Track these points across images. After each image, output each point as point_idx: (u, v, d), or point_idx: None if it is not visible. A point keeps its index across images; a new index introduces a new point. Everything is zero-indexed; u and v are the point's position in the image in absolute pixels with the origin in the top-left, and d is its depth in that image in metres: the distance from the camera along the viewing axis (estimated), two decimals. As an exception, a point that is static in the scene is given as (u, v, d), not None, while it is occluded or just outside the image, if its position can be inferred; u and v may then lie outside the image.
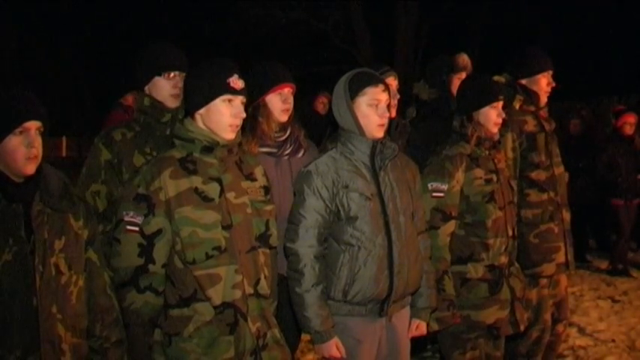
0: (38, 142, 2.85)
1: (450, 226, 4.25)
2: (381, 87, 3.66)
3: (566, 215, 5.00)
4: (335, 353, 3.59)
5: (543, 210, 4.87)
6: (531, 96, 4.96)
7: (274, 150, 4.11)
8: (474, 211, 4.29)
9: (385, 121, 3.66)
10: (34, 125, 2.84)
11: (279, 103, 4.11)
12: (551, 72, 5.00)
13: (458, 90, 4.56)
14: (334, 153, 3.69)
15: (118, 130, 3.88)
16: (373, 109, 3.62)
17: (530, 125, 4.93)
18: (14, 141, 2.80)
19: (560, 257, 4.90)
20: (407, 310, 3.85)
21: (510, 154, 4.80)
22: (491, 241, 4.28)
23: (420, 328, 3.90)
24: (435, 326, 4.13)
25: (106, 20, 28.63)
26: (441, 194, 4.21)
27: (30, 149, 2.81)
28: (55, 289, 2.88)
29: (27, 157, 2.81)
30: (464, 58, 5.52)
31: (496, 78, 4.86)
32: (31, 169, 2.84)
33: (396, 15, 19.38)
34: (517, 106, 4.93)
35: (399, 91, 4.98)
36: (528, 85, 4.98)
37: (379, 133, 3.66)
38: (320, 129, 6.32)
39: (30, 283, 2.80)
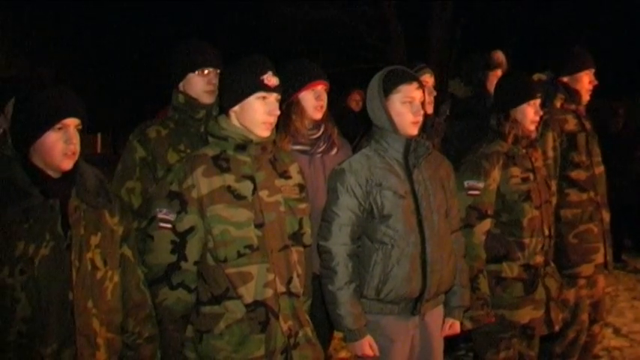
0: (76, 138, 2.87)
1: (486, 224, 4.22)
2: (415, 84, 3.64)
3: (606, 216, 4.96)
4: (368, 352, 3.58)
5: (583, 210, 4.83)
6: (572, 94, 4.91)
7: (307, 148, 4.10)
8: (509, 210, 4.25)
9: (419, 118, 3.64)
10: (72, 122, 2.86)
11: (313, 100, 4.10)
12: (593, 70, 4.95)
13: (495, 87, 4.52)
14: (368, 151, 3.67)
15: (153, 128, 3.90)
16: (407, 106, 3.60)
17: (571, 124, 4.88)
18: (53, 137, 2.82)
19: (599, 258, 4.85)
20: (440, 309, 3.83)
21: (551, 154, 4.76)
22: (526, 241, 4.25)
23: (454, 327, 3.88)
24: (468, 325, 4.11)
25: (142, 18, 28.81)
26: (477, 192, 4.19)
27: (68, 145, 2.83)
28: (91, 284, 2.90)
29: (64, 153, 2.83)
30: (499, 56, 5.48)
31: (537, 76, 4.82)
32: (68, 164, 2.86)
33: (431, 12, 19.29)
34: (558, 104, 4.88)
35: (435, 88, 4.95)
36: (570, 83, 4.93)
37: (413, 131, 3.64)
38: (353, 126, 6.31)
39: (66, 278, 2.83)
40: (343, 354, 5.75)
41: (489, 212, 4.23)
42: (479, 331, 4.28)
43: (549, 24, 19.30)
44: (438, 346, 3.82)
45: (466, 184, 4.19)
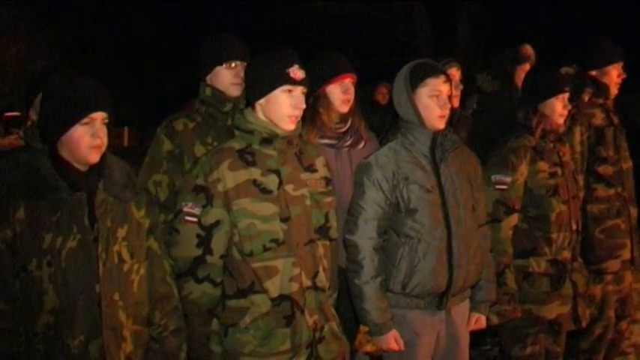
0: (103, 132, 2.88)
1: (513, 219, 4.20)
2: (442, 78, 3.62)
3: (634, 211, 4.92)
4: (393, 346, 3.58)
5: (610, 205, 4.79)
6: (601, 88, 4.87)
7: (334, 141, 4.10)
8: (537, 205, 4.23)
9: (446, 112, 3.62)
10: (99, 116, 2.87)
11: (340, 93, 4.10)
12: (622, 63, 4.90)
13: (523, 81, 4.50)
14: (394, 144, 3.66)
15: (180, 121, 3.91)
16: (434, 100, 3.59)
17: (599, 119, 4.84)
18: (80, 130, 2.83)
19: (626, 254, 4.82)
20: (466, 304, 3.82)
21: (578, 148, 4.72)
22: (554, 236, 4.22)
23: (480, 321, 3.87)
24: (495, 320, 4.09)
25: (170, 11, 28.92)
26: (505, 187, 4.16)
27: (95, 139, 2.84)
28: (117, 276, 2.91)
29: (91, 146, 2.84)
30: (527, 49, 5.45)
31: (565, 69, 4.78)
32: (94, 157, 2.87)
33: (458, 5, 19.21)
34: (586, 98, 4.84)
35: (461, 81, 4.93)
36: (598, 77, 4.89)
37: (440, 125, 3.62)
38: (380, 119, 6.30)
39: (93, 271, 2.85)
40: (369, 348, 5.74)
41: (517, 207, 4.20)
42: (505, 326, 4.26)
43: (577, 16, 19.14)
44: (464, 341, 3.81)
45: (493, 178, 4.17)
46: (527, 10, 19.58)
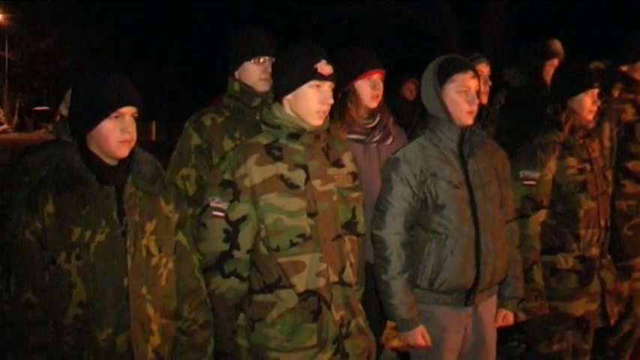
0: (132, 126, 2.89)
1: (541, 215, 4.17)
2: (470, 73, 3.61)
3: (663, 208, 4.87)
4: (420, 342, 3.57)
5: (638, 202, 4.75)
6: (631, 83, 4.83)
7: (363, 137, 4.10)
8: (565, 201, 4.20)
9: (474, 108, 3.61)
10: (129, 111, 2.88)
11: (369, 89, 4.10)
12: None
13: (553, 76, 4.47)
14: (422, 140, 3.66)
15: (208, 115, 3.92)
16: (462, 95, 3.58)
17: (629, 114, 4.81)
18: (109, 125, 2.84)
19: (655, 251, 4.78)
20: (494, 300, 3.81)
21: (607, 144, 4.69)
22: (582, 232, 4.19)
23: (507, 318, 3.87)
24: (522, 316, 4.07)
25: (196, 7, 29.01)
26: (533, 182, 4.14)
27: (124, 134, 2.86)
28: (146, 270, 2.93)
29: (120, 141, 2.85)
30: (556, 44, 5.41)
31: (594, 64, 4.75)
32: (123, 152, 2.89)
33: (485, 1, 19.11)
34: (616, 94, 4.81)
35: (490, 77, 4.91)
36: (629, 72, 4.86)
37: (468, 120, 3.62)
38: (407, 115, 6.29)
39: (121, 264, 2.87)
40: (395, 343, 5.72)
41: (545, 203, 4.18)
42: (532, 322, 4.23)
43: (607, 11, 18.98)
44: (491, 337, 3.80)
45: (521, 174, 4.15)
46: (555, 5, 19.44)
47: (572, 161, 4.19)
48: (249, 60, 3.88)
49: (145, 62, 32.28)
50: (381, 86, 4.16)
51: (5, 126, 48.10)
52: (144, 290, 2.92)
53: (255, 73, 3.87)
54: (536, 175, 4.15)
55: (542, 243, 4.19)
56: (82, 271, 2.83)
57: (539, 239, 4.17)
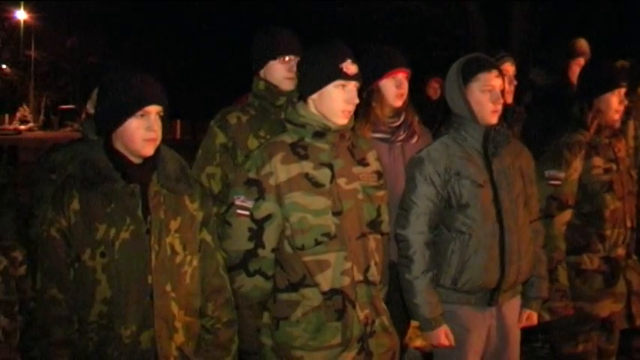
0: (158, 125, 2.91)
1: (566, 215, 4.15)
2: (494, 72, 3.60)
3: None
4: (443, 341, 3.56)
5: (666, 202, 4.71)
6: (657, 82, 4.80)
7: (387, 136, 4.10)
8: (591, 201, 4.17)
9: (499, 107, 3.60)
10: (154, 109, 2.90)
11: (393, 88, 4.10)
12: None
13: (579, 76, 4.45)
14: (446, 139, 3.66)
15: (234, 114, 3.93)
16: (486, 95, 3.57)
17: (655, 113, 4.77)
18: (134, 124, 2.86)
19: (682, 251, 4.72)
20: (518, 300, 3.80)
21: (632, 143, 4.67)
22: (608, 232, 4.16)
23: (531, 318, 3.85)
24: (546, 317, 4.05)
25: (221, 6, 29.08)
26: (558, 182, 4.12)
27: (149, 132, 2.87)
28: (170, 268, 2.94)
29: (145, 138, 2.87)
30: (582, 44, 5.38)
31: (620, 63, 4.71)
32: (149, 150, 2.90)
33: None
34: (641, 92, 4.78)
35: (515, 76, 4.89)
36: (655, 71, 4.82)
37: (493, 120, 3.60)
38: (431, 114, 6.28)
39: (146, 262, 2.88)
40: (419, 343, 5.73)
41: (570, 203, 4.15)
42: (557, 323, 4.20)
43: (633, 10, 18.80)
44: (515, 338, 3.78)
45: (547, 173, 4.12)
46: (581, 4, 19.30)
47: (598, 161, 4.17)
48: (275, 59, 3.89)
49: (170, 61, 32.43)
50: (405, 85, 4.16)
51: (31, 124, 48.58)
52: (168, 288, 2.93)
53: (281, 72, 3.88)
54: (562, 174, 4.12)
55: (568, 243, 4.16)
56: (106, 269, 2.85)
57: (564, 239, 4.14)
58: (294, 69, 3.72)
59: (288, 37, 3.93)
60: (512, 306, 3.75)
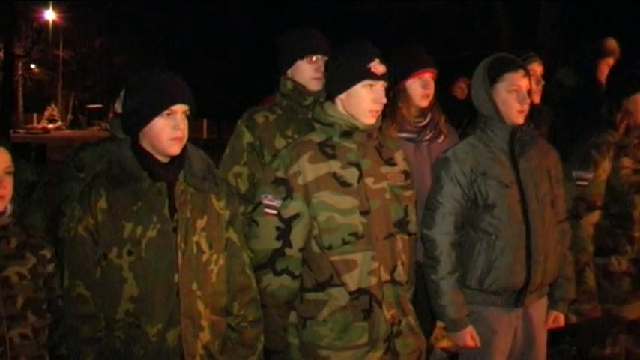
0: (184, 124, 2.92)
1: (594, 216, 4.12)
2: (521, 72, 3.59)
3: None
4: (469, 342, 3.55)
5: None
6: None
7: (414, 135, 4.10)
8: (619, 202, 4.14)
9: (525, 107, 3.58)
10: (180, 108, 2.90)
11: (420, 88, 4.10)
12: None
13: (608, 76, 4.42)
14: (473, 139, 3.65)
15: (261, 113, 3.94)
16: (513, 95, 3.56)
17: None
18: (161, 123, 2.87)
19: None
20: (544, 301, 3.78)
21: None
22: (636, 234, 4.13)
23: (558, 319, 3.82)
24: (573, 318, 4.03)
25: (247, 6, 29.15)
26: (586, 183, 4.09)
27: (175, 131, 2.88)
28: (196, 266, 2.95)
29: (171, 137, 2.88)
30: (611, 43, 5.34)
31: (649, 62, 4.67)
32: (175, 150, 2.91)
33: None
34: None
35: (543, 76, 4.87)
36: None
37: (519, 120, 3.59)
38: (458, 114, 6.26)
39: (172, 260, 2.89)
40: (444, 344, 5.71)
41: (598, 204, 4.13)
42: (584, 325, 4.18)
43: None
44: (541, 339, 3.76)
45: (574, 174, 4.10)
46: (610, 3, 19.15)
47: (626, 162, 4.13)
48: (302, 58, 3.89)
49: (196, 61, 32.55)
50: (432, 85, 4.16)
51: (59, 123, 49.01)
52: (194, 286, 2.94)
53: (308, 71, 3.88)
54: (590, 175, 4.10)
55: (595, 245, 4.14)
56: (133, 267, 2.87)
57: (591, 241, 4.12)
58: (322, 69, 3.73)
59: (316, 36, 3.93)
60: (538, 307, 3.73)
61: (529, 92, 3.62)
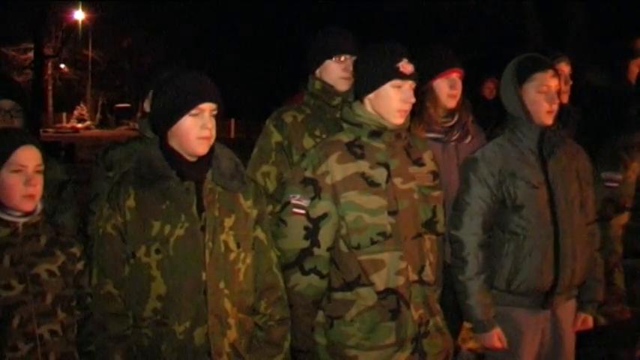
0: (212, 123, 2.92)
1: (623, 217, 4.08)
2: (550, 72, 3.57)
3: None
4: (496, 343, 3.54)
5: None
6: None
7: (441, 136, 4.09)
8: (648, 204, 4.10)
9: (555, 107, 3.56)
10: (208, 107, 2.91)
11: (447, 88, 4.09)
12: None
13: (638, 76, 4.37)
14: (501, 140, 3.63)
15: (289, 113, 3.94)
16: (542, 95, 3.54)
17: None
18: (189, 122, 2.88)
19: None
20: (573, 303, 3.76)
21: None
22: (666, 236, 4.09)
23: (586, 321, 3.80)
24: (602, 321, 4.00)
25: (275, 6, 29.19)
26: (615, 184, 4.06)
27: (203, 130, 2.89)
28: (224, 265, 2.96)
29: (199, 137, 2.89)
30: (642, 44, 5.29)
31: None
32: (203, 149, 2.92)
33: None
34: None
35: (571, 76, 4.84)
36: None
37: (548, 120, 3.57)
38: (486, 114, 6.23)
39: (200, 259, 2.90)
40: (471, 345, 5.70)
41: (627, 205, 4.09)
42: (614, 327, 4.15)
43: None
44: (570, 341, 3.74)
45: (604, 175, 4.07)
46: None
47: (657, 163, 4.10)
48: (331, 58, 3.88)
49: (225, 61, 32.66)
50: (459, 85, 4.15)
51: (88, 122, 49.33)
52: (222, 285, 2.95)
53: (336, 71, 3.87)
54: (619, 176, 4.06)
55: (625, 246, 4.10)
56: (161, 265, 2.89)
57: (620, 242, 4.08)
58: (350, 68, 3.72)
59: (344, 36, 3.93)
60: (567, 309, 3.72)
61: (558, 92, 3.60)
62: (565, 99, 4.73)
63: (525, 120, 3.57)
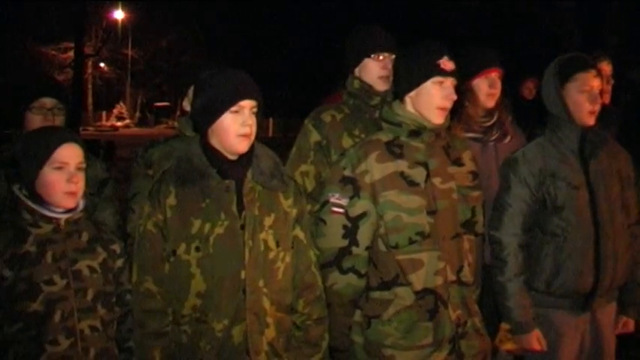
0: (252, 120, 2.93)
1: (665, 219, 4.03)
2: (592, 72, 3.53)
3: None
4: (535, 345, 3.52)
5: None
6: None
7: (480, 135, 4.08)
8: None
9: (597, 108, 3.53)
10: (248, 104, 2.92)
11: (486, 87, 4.08)
12: None
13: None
14: (542, 140, 3.61)
15: (328, 112, 3.95)
16: (584, 95, 3.50)
17: None
18: (229, 119, 2.90)
19: None
20: (613, 306, 3.72)
21: None
22: None
23: (627, 324, 3.77)
24: (643, 324, 3.95)
25: (314, 5, 29.25)
26: (657, 186, 4.00)
27: (243, 128, 2.90)
28: (263, 263, 2.97)
29: (240, 134, 2.90)
30: (686, 43, 5.23)
31: None
32: (243, 147, 2.93)
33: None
34: None
35: (613, 76, 4.79)
36: None
37: (590, 121, 3.53)
38: (526, 114, 6.19)
39: (239, 257, 2.92)
40: (510, 346, 5.65)
41: (670, 207, 4.03)
42: (655, 331, 4.11)
43: None
44: (610, 345, 3.70)
45: (646, 176, 4.02)
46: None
47: (700, 164, 4.04)
48: (369, 56, 3.88)
49: (263, 60, 32.77)
50: (498, 85, 4.13)
51: (127, 121, 49.80)
52: (260, 283, 2.96)
53: (375, 70, 3.87)
54: (661, 177, 4.01)
55: (667, 248, 4.04)
56: (201, 263, 2.90)
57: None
58: (389, 67, 3.72)
59: (383, 34, 3.92)
60: (607, 312, 3.68)
61: (600, 93, 3.56)
62: (607, 99, 4.69)
63: (567, 120, 3.54)
